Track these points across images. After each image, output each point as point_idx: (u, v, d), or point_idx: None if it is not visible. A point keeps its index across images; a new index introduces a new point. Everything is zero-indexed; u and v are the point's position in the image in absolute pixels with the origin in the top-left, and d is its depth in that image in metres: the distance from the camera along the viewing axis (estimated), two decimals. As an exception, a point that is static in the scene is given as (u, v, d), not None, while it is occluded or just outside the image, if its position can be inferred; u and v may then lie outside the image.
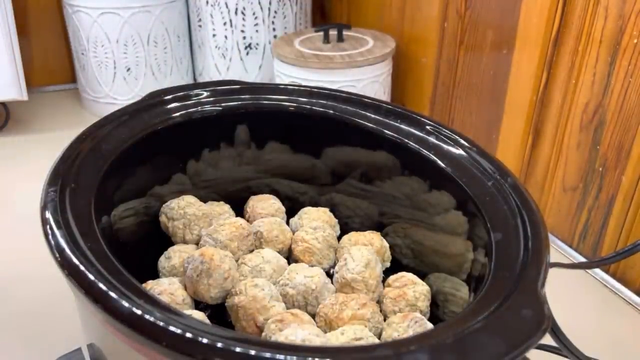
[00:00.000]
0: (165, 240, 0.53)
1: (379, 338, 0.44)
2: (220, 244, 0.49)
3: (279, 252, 0.51)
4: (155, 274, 0.50)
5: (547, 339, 0.33)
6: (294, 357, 0.29)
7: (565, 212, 0.72)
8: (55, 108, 1.11)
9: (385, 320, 0.46)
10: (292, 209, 0.58)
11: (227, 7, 0.98)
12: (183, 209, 0.52)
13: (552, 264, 0.37)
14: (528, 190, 0.43)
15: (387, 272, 0.52)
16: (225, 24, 1.00)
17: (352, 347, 0.37)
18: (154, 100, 0.52)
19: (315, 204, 0.58)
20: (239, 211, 0.57)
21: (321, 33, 0.92)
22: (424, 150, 0.49)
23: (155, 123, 0.50)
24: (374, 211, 0.56)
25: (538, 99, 0.72)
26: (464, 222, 0.46)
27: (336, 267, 0.49)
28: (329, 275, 0.50)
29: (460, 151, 0.48)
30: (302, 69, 0.86)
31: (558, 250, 0.73)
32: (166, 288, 0.45)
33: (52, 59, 1.17)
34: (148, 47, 1.02)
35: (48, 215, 0.37)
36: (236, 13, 0.99)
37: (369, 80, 0.87)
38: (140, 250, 0.50)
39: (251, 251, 0.51)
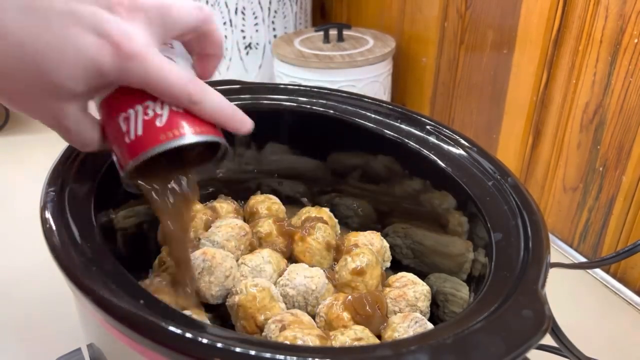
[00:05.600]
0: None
1: (379, 338, 0.44)
2: (218, 244, 0.49)
3: (279, 253, 0.51)
4: (155, 274, 0.50)
5: (548, 339, 0.33)
6: (294, 358, 0.29)
7: (565, 212, 0.72)
8: (55, 108, 1.10)
9: (385, 320, 0.46)
10: (292, 209, 0.58)
11: (227, 6, 0.98)
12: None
13: (552, 264, 0.37)
14: (528, 190, 0.43)
15: (388, 272, 0.52)
16: (225, 23, 1.00)
17: (352, 348, 0.37)
18: (154, 100, 0.52)
19: (315, 204, 0.58)
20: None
21: (321, 33, 0.92)
22: (424, 150, 0.49)
23: (155, 123, 0.50)
24: (374, 211, 0.56)
25: (538, 99, 0.72)
26: (464, 222, 0.46)
27: (336, 267, 0.49)
28: (329, 275, 0.50)
29: (460, 151, 0.48)
30: (302, 68, 0.86)
31: (558, 250, 0.72)
32: (166, 288, 0.45)
33: (52, 59, 1.17)
34: (148, 47, 1.01)
35: (48, 215, 0.37)
36: (236, 13, 0.99)
37: (369, 80, 0.87)
38: (139, 250, 0.50)
39: (251, 251, 0.51)
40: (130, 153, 0.36)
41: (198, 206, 0.53)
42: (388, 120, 0.52)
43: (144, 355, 0.32)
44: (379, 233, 0.53)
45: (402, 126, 0.52)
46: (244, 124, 0.39)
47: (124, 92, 0.36)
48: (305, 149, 0.57)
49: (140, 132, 0.35)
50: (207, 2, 0.99)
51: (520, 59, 0.73)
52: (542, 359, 0.40)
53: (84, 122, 0.36)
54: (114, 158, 0.38)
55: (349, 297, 0.44)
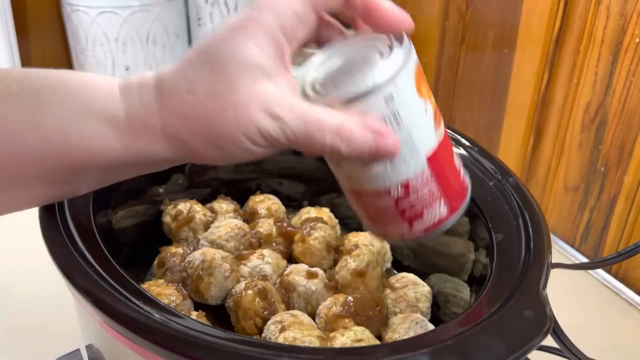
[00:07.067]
0: (165, 241, 0.53)
1: (380, 339, 0.44)
2: (217, 245, 0.49)
3: (278, 253, 0.51)
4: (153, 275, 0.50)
5: (549, 340, 0.33)
6: (294, 359, 0.29)
7: (566, 212, 0.72)
8: (55, 108, 1.10)
9: (385, 321, 0.46)
10: (292, 209, 0.57)
11: (226, 6, 0.98)
12: (189, 212, 0.52)
13: (553, 265, 0.37)
14: (529, 190, 0.43)
15: (388, 273, 0.51)
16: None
17: (353, 349, 0.37)
18: (154, 100, 0.52)
19: (315, 204, 0.58)
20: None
21: (321, 32, 0.92)
22: (425, 150, 0.49)
23: (154, 122, 0.50)
24: (375, 211, 0.56)
25: (539, 99, 0.72)
26: (465, 222, 0.45)
27: (336, 268, 0.49)
28: (329, 276, 0.50)
29: (461, 151, 0.48)
30: (302, 67, 0.85)
31: (559, 251, 0.72)
32: (165, 289, 0.45)
33: (50, 59, 1.16)
34: (147, 46, 1.01)
35: (46, 215, 0.37)
36: (236, 11, 0.99)
37: (370, 79, 0.87)
38: (139, 250, 0.50)
39: (251, 252, 0.51)
40: (463, 192, 0.36)
41: (197, 206, 0.53)
42: (388, 120, 0.52)
43: (143, 356, 0.32)
44: (379, 233, 0.53)
45: (403, 126, 0.51)
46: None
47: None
48: (305, 149, 0.57)
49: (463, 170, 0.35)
50: (206, 1, 0.99)
51: (522, 59, 0.73)
52: (544, 360, 0.39)
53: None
54: (429, 207, 0.34)
55: (349, 298, 0.44)
